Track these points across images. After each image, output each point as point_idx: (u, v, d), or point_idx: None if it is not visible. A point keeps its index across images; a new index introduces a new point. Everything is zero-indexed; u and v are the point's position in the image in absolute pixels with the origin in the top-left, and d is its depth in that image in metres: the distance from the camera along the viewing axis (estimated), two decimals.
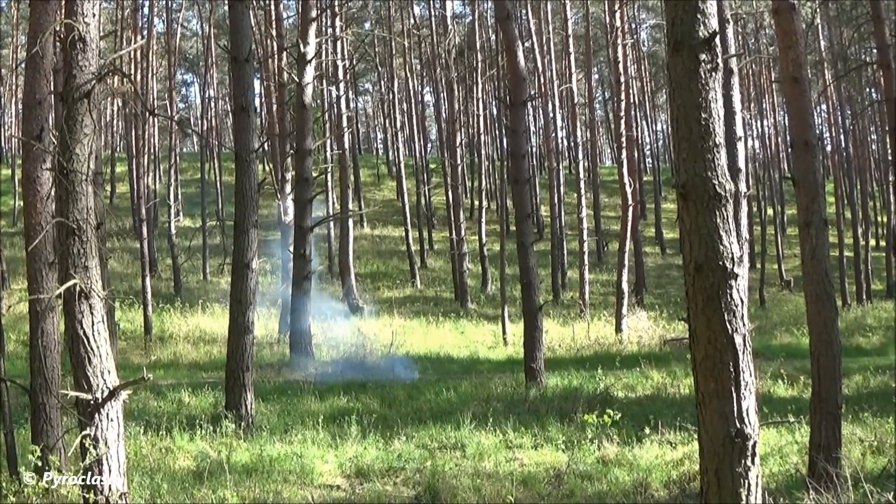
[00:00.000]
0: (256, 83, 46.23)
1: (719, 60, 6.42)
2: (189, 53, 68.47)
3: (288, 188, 29.93)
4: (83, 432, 8.24)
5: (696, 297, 6.43)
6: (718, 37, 6.47)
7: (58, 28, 9.33)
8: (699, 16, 6.36)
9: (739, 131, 22.18)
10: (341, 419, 15.46)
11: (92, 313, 8.40)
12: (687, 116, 6.38)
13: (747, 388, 6.36)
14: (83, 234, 8.37)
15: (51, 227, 9.96)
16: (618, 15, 34.37)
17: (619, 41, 33.92)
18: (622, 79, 34.03)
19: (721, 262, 6.33)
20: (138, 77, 39.01)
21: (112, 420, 8.34)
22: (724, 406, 6.35)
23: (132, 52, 39.49)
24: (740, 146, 21.88)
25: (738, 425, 6.33)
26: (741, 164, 21.72)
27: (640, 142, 59.65)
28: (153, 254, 39.70)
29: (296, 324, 25.10)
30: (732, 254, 6.35)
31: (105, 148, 54.46)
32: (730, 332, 6.33)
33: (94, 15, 8.54)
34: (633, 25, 55.07)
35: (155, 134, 45.76)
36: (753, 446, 6.38)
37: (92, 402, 8.27)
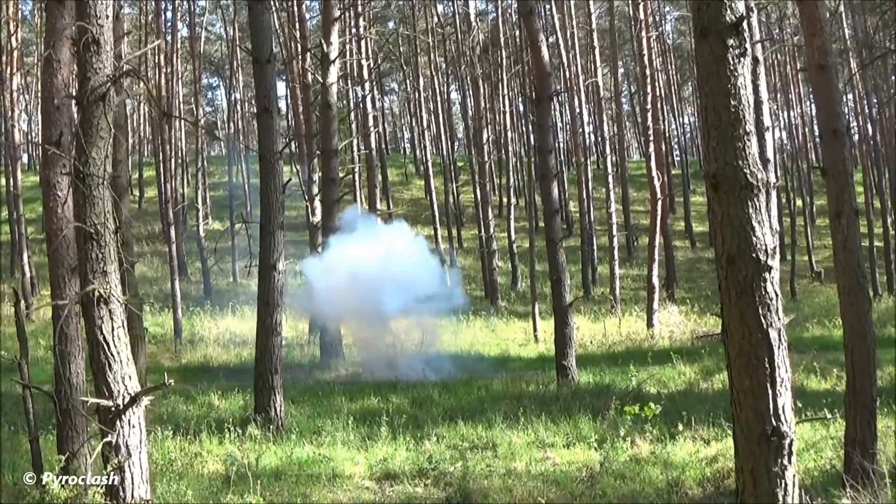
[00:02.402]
0: (282, 85, 46.47)
1: (747, 45, 6.23)
2: (214, 57, 68.63)
3: (315, 189, 29.84)
4: (104, 439, 8.14)
5: (729, 290, 6.24)
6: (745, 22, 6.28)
7: (70, 31, 9.24)
8: (725, 0, 6.18)
9: (767, 121, 21.94)
10: (371, 420, 15.38)
11: (112, 318, 8.29)
12: (716, 104, 6.19)
13: (783, 384, 6.17)
14: (101, 238, 8.27)
15: (69, 232, 9.88)
16: (641, 7, 34.05)
17: (644, 34, 33.67)
18: (648, 72, 33.76)
19: (754, 254, 6.14)
20: (163, 81, 39.14)
21: (134, 426, 8.24)
22: (759, 403, 6.16)
23: (156, 56, 39.65)
24: (768, 136, 21.65)
25: (774, 423, 6.13)
26: (770, 154, 21.50)
27: (667, 135, 59.19)
28: (182, 257, 39.82)
29: (326, 324, 25.02)
30: (766, 245, 6.15)
31: (132, 152, 54.62)
32: (764, 326, 6.14)
33: (107, 17, 8.43)
34: (658, 18, 54.69)
35: (182, 138, 45.99)
36: (790, 444, 6.18)
37: (113, 408, 8.17)
